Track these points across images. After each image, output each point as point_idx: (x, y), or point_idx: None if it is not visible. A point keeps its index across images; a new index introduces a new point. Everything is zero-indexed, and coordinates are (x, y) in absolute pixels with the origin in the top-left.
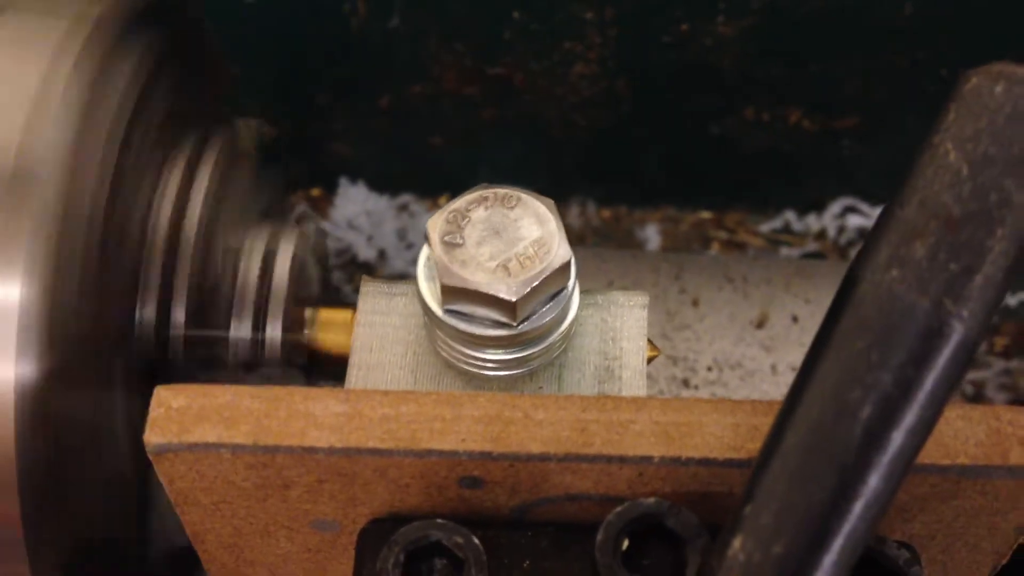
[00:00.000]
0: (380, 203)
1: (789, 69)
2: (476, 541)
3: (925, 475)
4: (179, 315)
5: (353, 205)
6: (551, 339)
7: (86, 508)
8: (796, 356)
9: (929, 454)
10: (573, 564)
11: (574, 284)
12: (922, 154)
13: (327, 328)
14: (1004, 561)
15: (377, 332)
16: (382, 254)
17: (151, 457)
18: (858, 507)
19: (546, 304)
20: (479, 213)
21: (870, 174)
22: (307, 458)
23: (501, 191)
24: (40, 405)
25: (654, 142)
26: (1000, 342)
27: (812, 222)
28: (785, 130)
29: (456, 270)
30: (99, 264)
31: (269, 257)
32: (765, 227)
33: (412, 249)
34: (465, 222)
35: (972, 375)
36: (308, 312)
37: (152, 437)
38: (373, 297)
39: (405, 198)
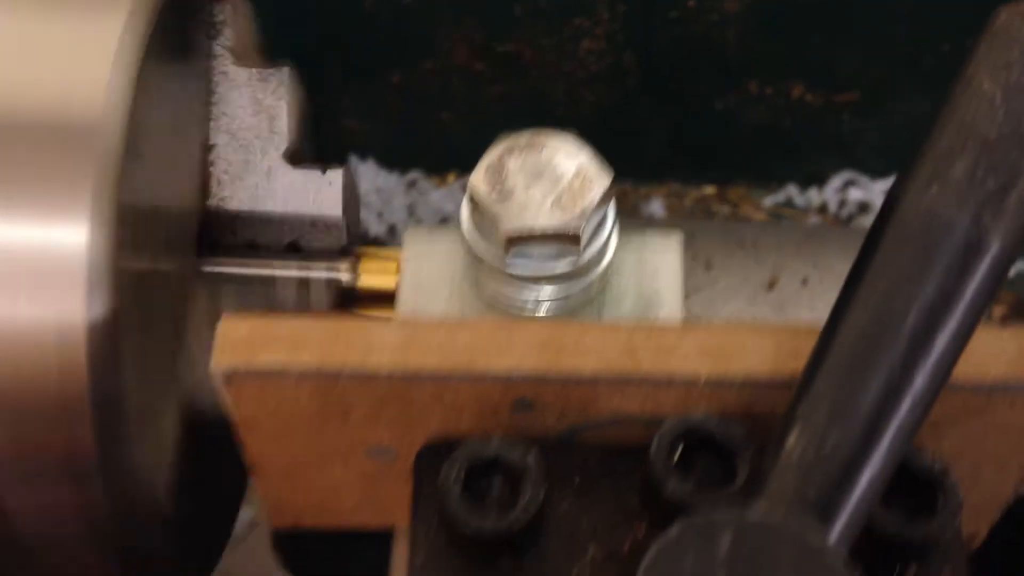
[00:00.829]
0: (390, 180)
1: (792, 44)
2: (533, 456)
3: (956, 392)
4: (232, 252)
5: (363, 182)
6: (598, 270)
7: (152, 437)
8: (806, 317)
9: (960, 371)
10: (621, 481)
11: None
12: (957, 84)
13: (372, 270)
14: None
15: (423, 276)
16: (392, 230)
17: (219, 383)
18: (905, 405)
19: (597, 230)
20: (514, 162)
21: (870, 148)
22: (368, 383)
23: (523, 138)
24: (109, 341)
25: (659, 117)
26: (998, 311)
27: (813, 196)
28: (787, 105)
29: (516, 218)
30: (159, 204)
31: (318, 194)
32: (768, 201)
33: (422, 225)
34: (505, 173)
35: None
36: (352, 256)
37: (220, 363)
38: (418, 242)
39: (414, 175)
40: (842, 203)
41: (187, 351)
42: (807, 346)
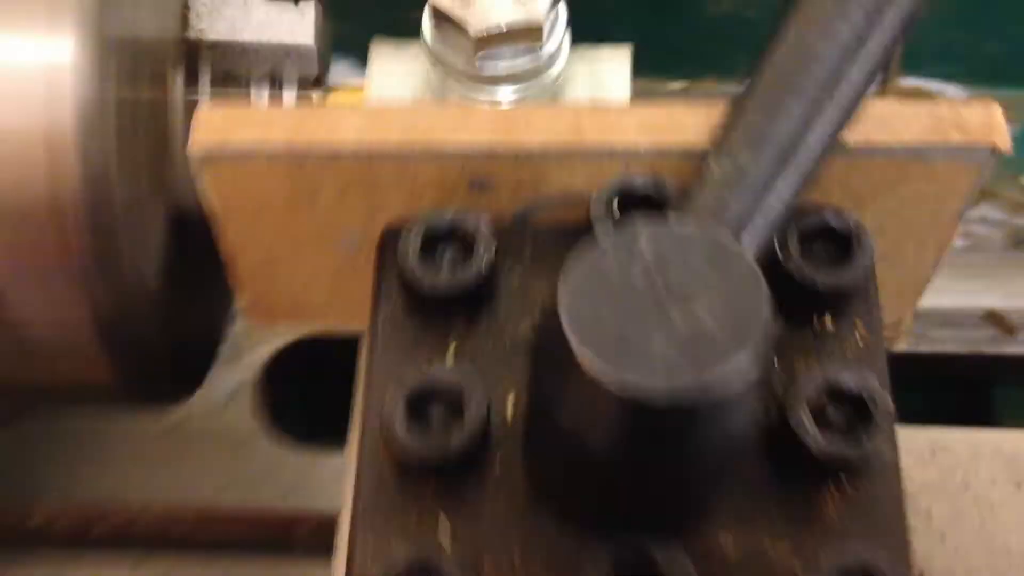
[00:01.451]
0: None
1: None
2: (485, 222)
3: (875, 158)
4: (205, 80)
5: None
6: (556, 69)
7: (141, 240)
8: None
9: (879, 137)
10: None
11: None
12: None
13: (342, 101)
14: (943, 254)
15: (387, 89)
16: None
17: (196, 165)
18: (816, 132)
19: (554, 25)
20: None
21: None
22: (333, 162)
23: None
24: (99, 149)
25: (626, 9)
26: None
27: None
28: None
29: (482, 19)
30: (140, 31)
31: (292, 25)
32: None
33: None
34: None
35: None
36: (318, 93)
37: (197, 143)
38: (383, 57)
39: None
40: None
41: (171, 177)
42: None
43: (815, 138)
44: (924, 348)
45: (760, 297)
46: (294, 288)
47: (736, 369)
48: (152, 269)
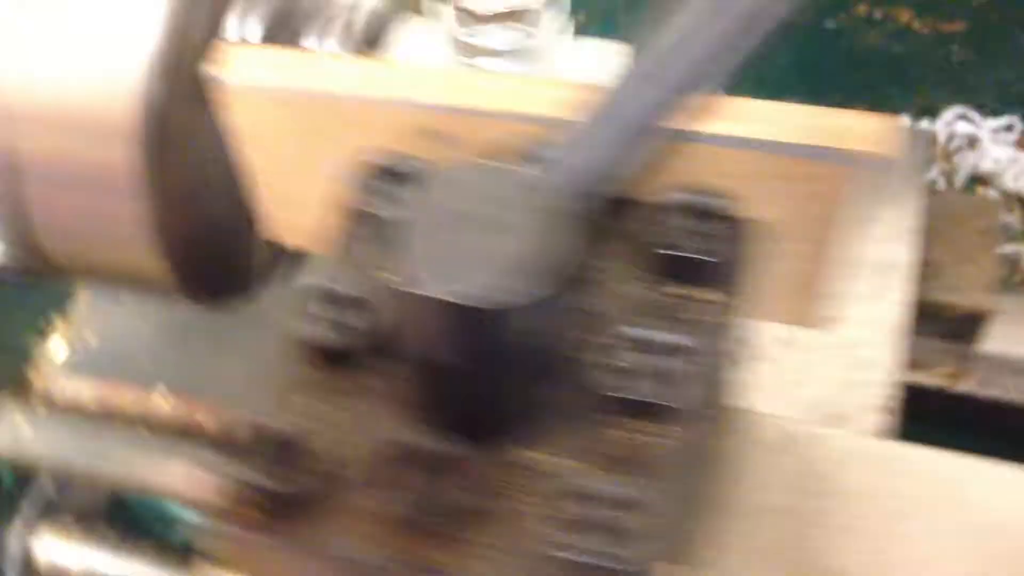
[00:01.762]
0: None
1: None
2: (418, 164)
3: (758, 151)
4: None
5: None
6: (549, 50)
7: (196, 166)
8: None
9: (764, 133)
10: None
11: None
12: None
13: None
14: (837, 258)
15: (409, 57)
16: None
17: (215, 92)
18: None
19: (548, 8)
20: None
21: (982, 83)
22: (324, 103)
23: None
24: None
25: (786, 40)
26: None
27: (924, 128)
28: (897, 30)
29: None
30: None
31: None
32: None
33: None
34: None
35: None
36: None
37: (215, 74)
38: (407, 30)
39: None
40: (950, 136)
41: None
42: None
43: (653, 119)
44: (991, 394)
45: (566, 239)
46: (309, 215)
47: (524, 293)
48: (208, 183)
